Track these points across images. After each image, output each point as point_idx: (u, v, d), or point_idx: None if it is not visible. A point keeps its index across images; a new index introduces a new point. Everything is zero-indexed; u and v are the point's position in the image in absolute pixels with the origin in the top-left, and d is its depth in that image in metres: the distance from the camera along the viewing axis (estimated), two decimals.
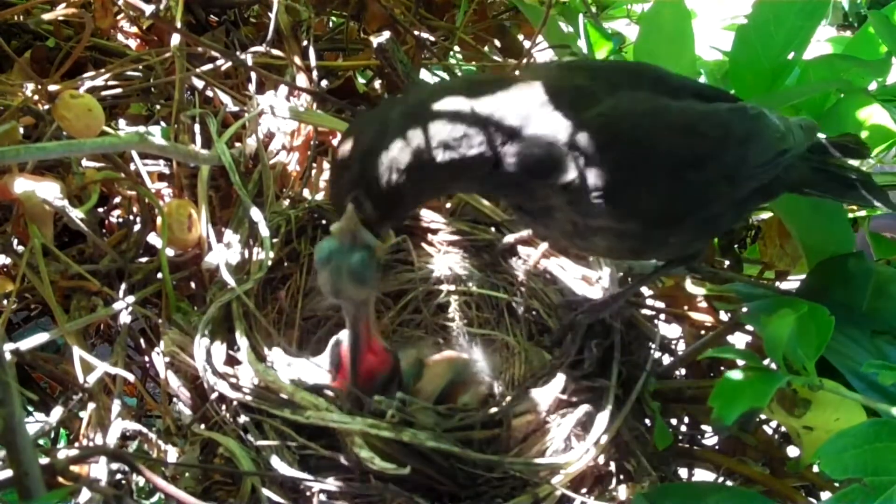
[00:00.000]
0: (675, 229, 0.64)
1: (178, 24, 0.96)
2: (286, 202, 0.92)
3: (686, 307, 0.86)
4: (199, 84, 0.97)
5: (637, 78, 0.66)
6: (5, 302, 0.78)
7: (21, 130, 0.78)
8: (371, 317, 0.70)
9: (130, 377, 0.79)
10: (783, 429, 0.75)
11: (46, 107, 0.81)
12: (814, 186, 0.76)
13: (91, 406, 0.72)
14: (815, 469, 0.56)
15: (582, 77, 0.64)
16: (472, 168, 0.60)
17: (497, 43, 1.31)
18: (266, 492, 0.61)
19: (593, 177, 0.58)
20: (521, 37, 1.34)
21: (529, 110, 0.59)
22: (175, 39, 0.93)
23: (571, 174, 0.58)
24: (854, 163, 0.82)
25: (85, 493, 0.63)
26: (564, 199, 0.60)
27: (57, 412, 0.72)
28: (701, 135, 0.63)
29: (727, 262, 0.98)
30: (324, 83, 1.08)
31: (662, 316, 0.87)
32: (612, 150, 0.59)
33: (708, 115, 0.65)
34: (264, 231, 0.79)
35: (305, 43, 1.08)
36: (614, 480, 0.68)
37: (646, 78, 0.66)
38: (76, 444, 0.74)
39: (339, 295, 0.66)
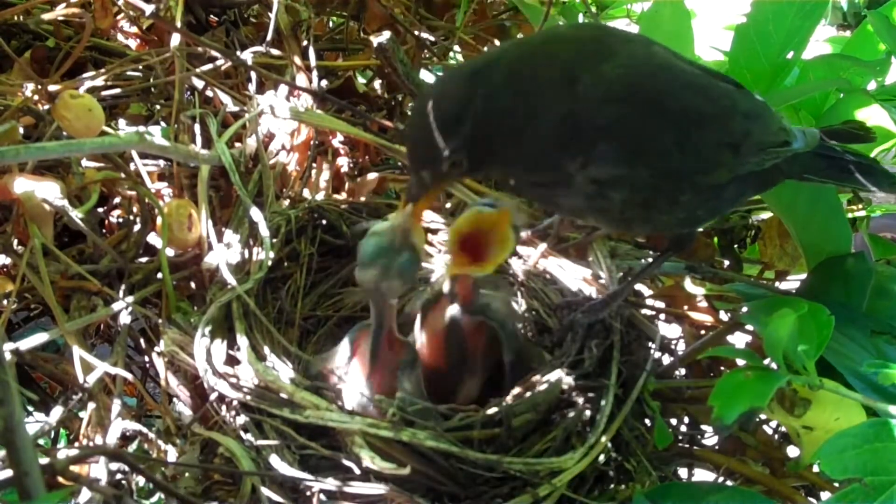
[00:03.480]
0: (682, 184, 0.66)
1: (178, 24, 0.96)
2: (286, 202, 0.92)
3: (686, 307, 0.86)
4: (199, 84, 0.97)
5: (649, 41, 0.70)
6: (5, 302, 0.78)
7: (21, 130, 0.78)
8: (393, 312, 0.72)
9: (130, 377, 0.79)
10: (783, 429, 0.75)
11: (46, 107, 0.81)
12: (813, 173, 0.77)
13: (91, 406, 0.72)
14: (815, 469, 0.56)
15: (597, 31, 0.70)
16: (555, 135, 0.62)
17: (497, 42, 1.31)
18: (266, 492, 0.61)
19: (610, 126, 0.61)
20: (520, 36, 1.34)
21: (574, 67, 0.63)
22: (175, 39, 0.93)
23: (591, 130, 0.61)
24: None
25: (85, 493, 0.63)
26: (581, 161, 0.62)
27: (57, 412, 0.72)
28: (711, 99, 0.67)
29: (727, 262, 0.98)
30: (324, 83, 1.08)
31: (662, 316, 0.87)
32: (628, 101, 0.62)
33: (717, 85, 0.69)
34: (264, 231, 0.79)
35: (305, 43, 1.08)
36: (614, 480, 0.68)
37: (657, 44, 0.70)
38: (76, 444, 0.74)
39: (384, 291, 0.69)
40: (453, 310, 0.74)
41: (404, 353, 0.72)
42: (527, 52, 0.66)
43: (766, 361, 0.62)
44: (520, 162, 0.64)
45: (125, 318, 0.79)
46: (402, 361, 0.71)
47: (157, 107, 1.01)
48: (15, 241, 0.78)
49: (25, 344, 0.71)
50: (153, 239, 0.85)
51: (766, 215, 0.99)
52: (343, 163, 1.03)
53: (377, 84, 1.21)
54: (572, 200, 0.66)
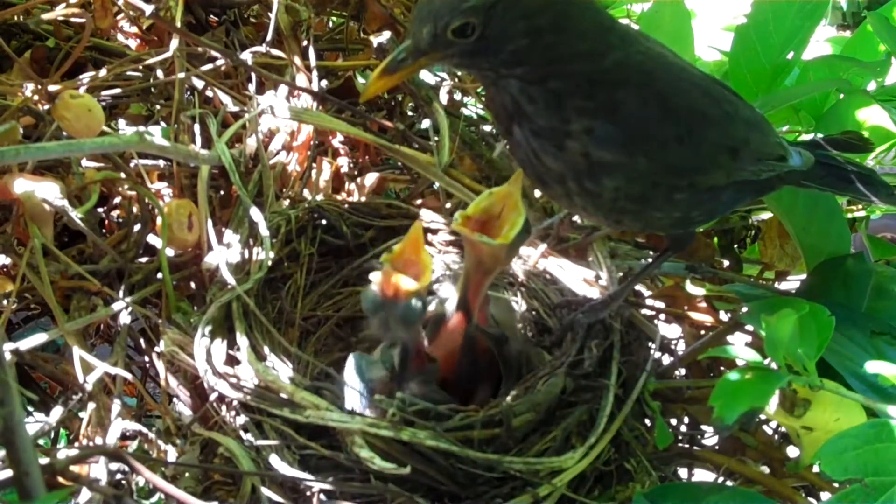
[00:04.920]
0: (680, 181, 0.66)
1: (178, 24, 0.96)
2: (286, 202, 0.92)
3: (686, 307, 0.86)
4: (199, 84, 0.97)
5: (661, 44, 0.70)
6: (5, 302, 0.78)
7: (21, 130, 0.78)
8: (420, 331, 0.73)
9: (130, 377, 0.79)
10: (783, 429, 0.75)
11: (46, 107, 0.81)
12: (812, 180, 0.77)
13: (91, 406, 0.72)
14: (815, 469, 0.56)
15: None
16: (567, 61, 0.61)
17: None
18: (266, 492, 0.61)
19: (619, 105, 0.61)
20: None
21: (610, 40, 0.62)
22: (175, 40, 0.93)
23: (602, 100, 0.61)
24: None
25: (85, 493, 0.63)
26: (584, 126, 0.62)
27: (57, 412, 0.72)
28: (716, 101, 0.67)
29: (727, 263, 0.98)
30: (324, 83, 1.08)
31: (662, 316, 0.87)
32: (639, 87, 0.62)
33: (722, 91, 0.70)
34: (264, 231, 0.79)
35: (305, 43, 1.08)
36: (614, 480, 0.68)
37: (667, 48, 0.70)
38: (76, 444, 0.74)
39: (391, 338, 0.71)
40: (467, 327, 0.75)
41: (427, 367, 0.73)
42: None
43: (767, 361, 0.62)
44: (529, 70, 0.61)
45: (125, 318, 0.79)
46: (421, 374, 0.73)
47: (157, 107, 1.01)
48: (15, 241, 0.78)
49: (25, 344, 0.71)
50: (153, 239, 0.85)
51: (766, 215, 0.99)
52: (343, 163, 1.03)
53: None
54: (558, 166, 0.64)
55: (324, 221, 0.90)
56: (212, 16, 1.15)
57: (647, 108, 0.62)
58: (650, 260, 0.86)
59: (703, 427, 0.79)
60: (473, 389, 0.76)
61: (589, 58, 0.61)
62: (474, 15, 0.58)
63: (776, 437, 0.77)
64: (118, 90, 0.96)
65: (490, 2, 0.58)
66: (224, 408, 0.68)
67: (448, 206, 0.95)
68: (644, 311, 0.84)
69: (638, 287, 0.87)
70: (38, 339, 0.72)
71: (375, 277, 0.68)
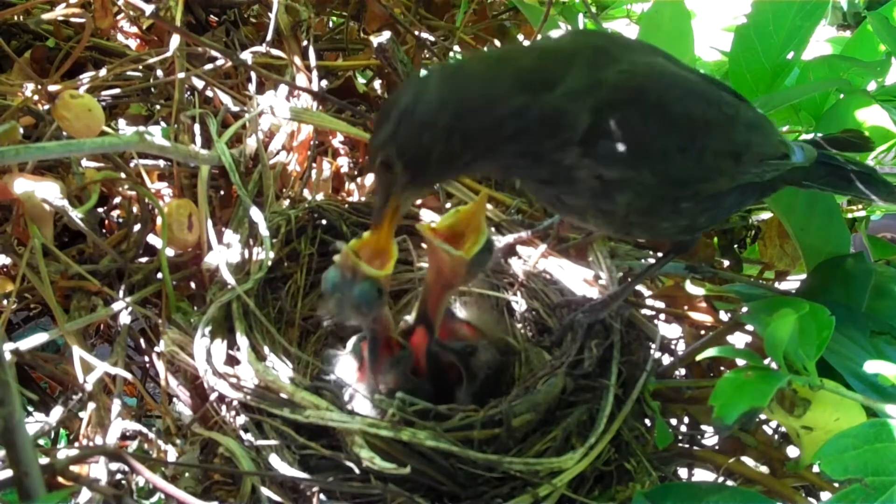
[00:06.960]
0: (685, 192, 0.66)
1: (178, 24, 0.96)
2: (286, 202, 0.92)
3: (686, 307, 0.86)
4: (200, 84, 0.97)
5: (653, 50, 0.69)
6: (5, 302, 0.78)
7: (21, 130, 0.78)
8: (387, 320, 0.74)
9: (130, 377, 0.79)
10: (783, 429, 0.75)
11: (46, 107, 0.81)
12: (813, 180, 0.77)
13: (91, 406, 0.72)
14: (815, 469, 0.56)
15: (599, 39, 0.69)
16: (498, 131, 0.60)
17: (497, 43, 1.31)
18: (266, 492, 0.61)
19: (613, 126, 0.61)
20: (520, 37, 1.34)
21: (554, 73, 0.61)
22: (175, 39, 0.93)
23: (587, 125, 0.60)
24: None
25: (85, 493, 0.63)
26: (578, 153, 0.61)
27: (57, 412, 0.72)
28: (714, 107, 0.67)
29: (727, 262, 0.98)
30: (324, 83, 1.08)
31: (662, 316, 0.87)
32: (631, 103, 0.61)
33: (720, 94, 0.69)
34: (264, 231, 0.79)
35: (305, 43, 1.08)
36: (614, 480, 0.68)
37: (660, 52, 0.70)
38: (76, 444, 0.74)
39: (346, 321, 0.71)
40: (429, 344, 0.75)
41: (399, 355, 0.74)
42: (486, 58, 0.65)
43: (767, 361, 0.62)
44: (478, 160, 0.62)
45: (125, 318, 0.79)
46: (392, 359, 0.73)
47: (157, 107, 1.01)
48: (15, 241, 0.78)
49: (25, 344, 0.71)
50: (153, 239, 0.85)
51: (766, 215, 0.99)
52: (343, 163, 1.03)
53: (377, 84, 1.22)
54: (577, 200, 0.65)
55: (324, 221, 0.90)
56: (212, 16, 1.15)
57: (644, 124, 0.62)
58: (651, 260, 0.86)
59: (703, 427, 0.79)
60: (451, 390, 0.76)
61: (526, 109, 0.60)
62: (383, 149, 0.60)
63: (776, 437, 0.77)
64: (118, 90, 0.96)
65: (388, 132, 0.59)
66: (224, 408, 0.68)
67: (448, 206, 0.95)
68: (644, 311, 0.84)
69: (638, 287, 0.87)
70: (38, 339, 0.72)
71: (338, 259, 0.68)
